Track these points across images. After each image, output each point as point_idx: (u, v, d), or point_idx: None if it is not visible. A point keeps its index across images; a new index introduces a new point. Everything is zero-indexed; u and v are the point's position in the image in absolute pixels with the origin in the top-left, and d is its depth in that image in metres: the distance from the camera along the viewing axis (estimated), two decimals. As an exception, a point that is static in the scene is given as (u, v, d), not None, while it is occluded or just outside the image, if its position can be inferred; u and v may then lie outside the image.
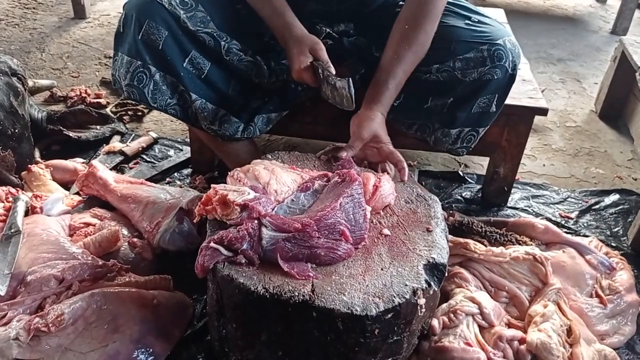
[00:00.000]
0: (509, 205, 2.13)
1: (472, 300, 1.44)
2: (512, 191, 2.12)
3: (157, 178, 2.13)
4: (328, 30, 1.75)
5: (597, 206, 2.15)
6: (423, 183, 2.16)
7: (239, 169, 1.43)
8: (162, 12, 1.54)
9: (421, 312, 1.21)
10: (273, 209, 1.29)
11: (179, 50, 1.57)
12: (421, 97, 1.70)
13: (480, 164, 2.35)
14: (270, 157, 1.58)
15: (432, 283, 1.22)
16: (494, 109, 1.66)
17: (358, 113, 1.56)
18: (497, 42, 1.59)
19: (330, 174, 1.42)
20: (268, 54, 1.69)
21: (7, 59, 2.09)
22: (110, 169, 2.06)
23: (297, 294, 1.13)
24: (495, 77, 1.60)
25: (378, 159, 1.58)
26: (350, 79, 1.49)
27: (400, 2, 1.76)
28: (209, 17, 1.60)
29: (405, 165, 1.53)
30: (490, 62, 1.59)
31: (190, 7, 1.58)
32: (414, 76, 1.69)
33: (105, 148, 2.25)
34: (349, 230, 1.25)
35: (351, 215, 1.28)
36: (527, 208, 2.12)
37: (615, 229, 2.03)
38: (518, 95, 1.87)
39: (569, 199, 2.19)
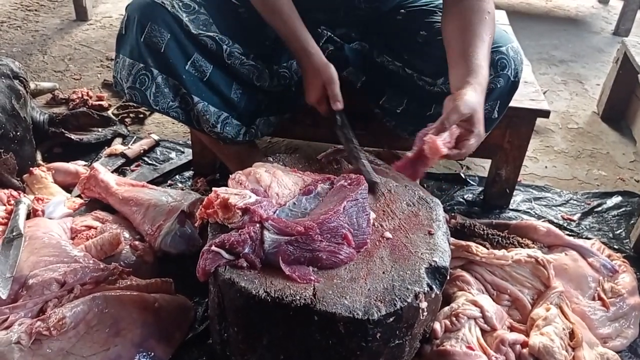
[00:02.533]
0: (511, 207, 2.12)
1: (474, 303, 1.44)
2: (514, 193, 2.12)
3: (159, 180, 2.13)
4: (330, 33, 1.75)
5: (599, 208, 2.15)
6: (425, 185, 2.16)
7: (240, 172, 1.43)
8: (165, 15, 1.54)
9: (423, 315, 1.20)
10: (275, 212, 1.29)
11: (181, 53, 1.57)
12: (424, 105, 1.70)
13: (482, 166, 2.35)
14: (271, 159, 1.58)
15: (434, 286, 1.22)
16: (496, 115, 1.66)
17: (458, 88, 1.38)
18: (500, 50, 1.58)
19: (334, 177, 1.42)
20: (270, 58, 1.69)
21: (9, 62, 2.09)
22: (112, 172, 2.06)
23: (298, 297, 1.13)
24: (499, 86, 1.59)
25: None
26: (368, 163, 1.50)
27: (402, 10, 1.76)
28: (212, 21, 1.60)
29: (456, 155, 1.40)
30: (494, 71, 1.58)
31: (193, 10, 1.58)
32: (419, 86, 1.69)
33: (107, 150, 2.25)
34: (351, 234, 1.25)
35: (354, 219, 1.27)
36: (529, 210, 2.11)
37: (618, 231, 2.03)
38: (520, 98, 1.87)
39: (571, 201, 2.19)
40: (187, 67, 1.58)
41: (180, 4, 1.56)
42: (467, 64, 1.41)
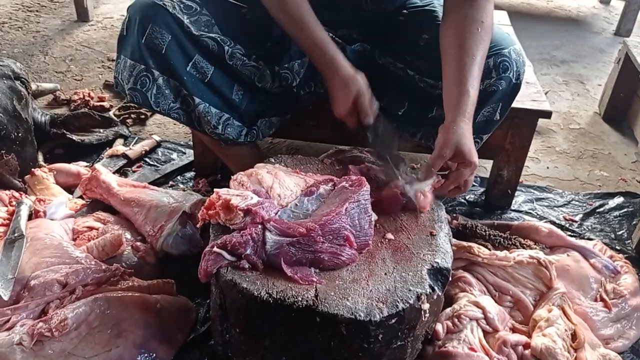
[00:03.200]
0: (512, 208, 2.12)
1: (476, 304, 1.44)
2: (515, 194, 2.12)
3: (160, 181, 2.13)
4: (331, 34, 1.75)
5: (601, 209, 2.15)
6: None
7: (242, 173, 1.43)
8: (166, 16, 1.54)
9: (425, 317, 1.20)
10: (276, 214, 1.29)
11: (183, 55, 1.57)
12: (426, 107, 1.69)
13: (484, 167, 2.34)
14: (273, 160, 1.58)
15: (436, 288, 1.22)
16: (498, 117, 1.66)
17: (444, 124, 1.42)
18: (502, 52, 1.58)
19: (336, 178, 1.42)
20: (271, 59, 1.69)
21: (10, 63, 2.09)
22: (114, 173, 2.06)
23: (300, 299, 1.13)
24: (500, 88, 1.59)
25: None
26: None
27: (404, 11, 1.76)
28: (213, 22, 1.60)
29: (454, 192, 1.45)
30: (496, 74, 1.58)
31: (195, 11, 1.58)
32: (420, 88, 1.69)
33: (109, 151, 2.25)
34: (353, 235, 1.25)
35: (356, 221, 1.27)
36: (531, 211, 2.11)
37: (620, 232, 2.02)
38: (522, 98, 1.86)
39: (573, 202, 2.18)
40: (188, 69, 1.58)
41: (182, 5, 1.56)
42: (457, 89, 1.44)
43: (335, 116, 1.58)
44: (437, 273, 1.24)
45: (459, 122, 1.39)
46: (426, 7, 1.74)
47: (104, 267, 1.50)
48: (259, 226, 1.23)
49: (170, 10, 1.54)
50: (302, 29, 1.54)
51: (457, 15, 1.52)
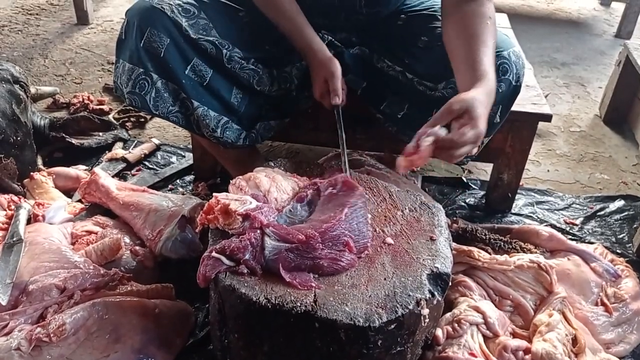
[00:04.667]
0: (513, 211, 2.11)
1: (477, 309, 1.43)
2: (516, 197, 2.11)
3: (160, 185, 2.13)
4: (331, 38, 1.75)
5: (602, 212, 2.14)
6: (426, 189, 2.15)
7: (240, 177, 1.42)
8: (164, 19, 1.54)
9: (425, 322, 1.20)
10: (275, 218, 1.29)
11: (181, 58, 1.57)
12: (425, 110, 1.68)
13: (484, 170, 2.34)
14: (272, 164, 1.57)
15: (435, 293, 1.21)
16: (498, 120, 1.65)
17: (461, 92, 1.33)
18: (502, 54, 1.57)
19: (319, 182, 1.41)
20: (270, 62, 1.68)
21: (10, 67, 2.09)
22: (113, 176, 2.05)
23: (299, 304, 1.13)
24: (500, 91, 1.58)
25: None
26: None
27: (402, 15, 1.76)
28: (212, 25, 1.60)
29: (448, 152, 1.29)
30: (495, 76, 1.57)
31: (193, 14, 1.58)
32: (419, 91, 1.68)
33: (108, 155, 2.24)
34: (352, 240, 1.24)
35: (355, 225, 1.27)
36: (531, 214, 2.10)
37: (621, 236, 2.02)
38: (522, 102, 1.86)
39: (573, 205, 2.18)
40: (186, 72, 1.58)
41: (180, 8, 1.56)
42: (474, 71, 1.37)
43: (335, 117, 1.60)
44: (437, 278, 1.23)
45: (476, 89, 1.30)
46: (424, 11, 1.74)
47: (102, 272, 1.49)
48: (258, 231, 1.22)
49: (169, 13, 1.53)
50: (283, 16, 1.62)
51: (461, 13, 1.50)
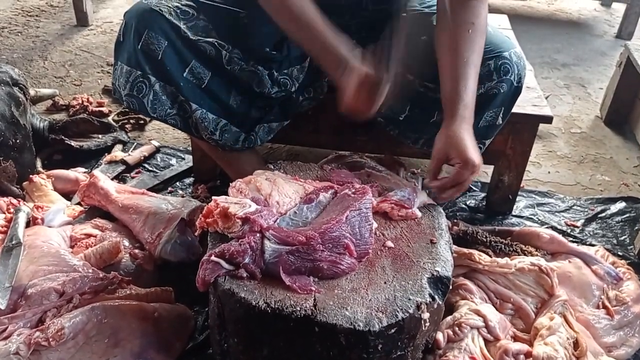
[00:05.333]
0: (513, 213, 2.10)
1: (477, 313, 1.43)
2: (517, 199, 2.10)
3: (159, 187, 2.12)
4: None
5: (603, 214, 2.13)
6: (427, 191, 2.14)
7: (240, 180, 1.42)
8: (162, 22, 1.53)
9: (425, 326, 1.19)
10: (275, 222, 1.28)
11: (179, 60, 1.56)
12: (427, 112, 1.68)
13: (485, 172, 2.33)
14: (272, 167, 1.57)
15: (436, 297, 1.20)
16: (500, 122, 1.65)
17: (439, 130, 1.44)
18: (502, 55, 1.57)
19: (337, 186, 1.41)
20: (270, 64, 1.67)
21: (9, 69, 2.08)
22: (112, 179, 2.05)
23: (299, 308, 1.12)
24: (502, 91, 1.58)
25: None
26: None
27: (403, 14, 1.75)
28: (211, 27, 1.59)
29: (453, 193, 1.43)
30: (497, 77, 1.57)
31: (192, 16, 1.57)
32: (421, 93, 1.68)
33: (107, 157, 2.24)
34: (353, 244, 1.23)
35: (357, 229, 1.26)
36: (532, 216, 2.10)
37: (622, 238, 2.01)
38: (522, 103, 1.85)
39: (574, 207, 2.17)
40: (185, 74, 1.57)
41: (179, 10, 1.55)
42: (451, 94, 1.45)
43: (335, 119, 1.59)
44: (437, 282, 1.23)
45: (451, 126, 1.41)
46: (425, 11, 1.73)
47: (101, 275, 1.48)
48: (258, 235, 1.22)
49: (167, 16, 1.53)
50: (311, 33, 1.44)
51: (449, 18, 1.52)
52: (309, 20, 1.43)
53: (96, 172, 1.90)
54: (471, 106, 1.45)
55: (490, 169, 2.12)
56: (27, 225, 1.69)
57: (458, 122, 1.41)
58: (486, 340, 1.41)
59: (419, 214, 1.42)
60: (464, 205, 2.13)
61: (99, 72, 3.06)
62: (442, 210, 1.47)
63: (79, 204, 1.90)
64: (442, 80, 1.50)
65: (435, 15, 1.69)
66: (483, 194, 2.18)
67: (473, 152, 1.39)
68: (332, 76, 1.46)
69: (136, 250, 1.65)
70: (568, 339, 1.41)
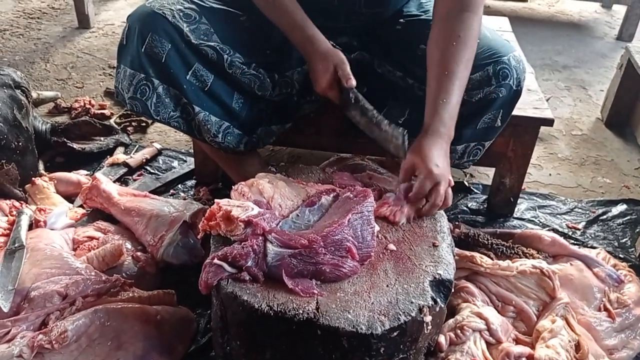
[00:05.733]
0: (515, 215, 2.11)
1: (479, 315, 1.43)
2: (518, 201, 2.11)
3: (161, 190, 2.12)
4: (331, 42, 1.74)
5: (604, 216, 2.14)
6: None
7: (242, 183, 1.42)
8: (165, 25, 1.54)
9: (427, 329, 1.19)
10: (278, 224, 1.28)
11: (182, 63, 1.57)
12: None
13: (486, 174, 2.34)
14: (274, 170, 1.57)
15: (438, 300, 1.21)
16: (499, 124, 1.65)
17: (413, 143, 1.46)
18: (501, 60, 1.58)
19: (339, 189, 1.41)
20: (271, 67, 1.68)
21: (11, 72, 2.09)
22: (114, 181, 2.05)
23: (301, 311, 1.12)
24: (501, 96, 1.59)
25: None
26: (405, 132, 1.47)
27: (401, 20, 1.75)
28: (213, 30, 1.60)
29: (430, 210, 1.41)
30: (496, 81, 1.58)
31: (194, 20, 1.58)
32: (420, 96, 1.68)
33: (109, 160, 2.24)
34: (355, 247, 1.24)
35: (359, 232, 1.26)
36: (533, 219, 2.10)
37: (623, 240, 2.01)
38: (523, 106, 1.85)
39: (575, 209, 2.17)
40: (188, 77, 1.58)
41: (181, 14, 1.56)
42: (429, 108, 1.47)
43: (336, 121, 1.60)
44: (440, 285, 1.23)
45: (422, 139, 1.43)
46: (423, 16, 1.74)
47: (104, 278, 1.49)
48: (260, 238, 1.22)
49: (170, 19, 1.54)
50: (281, 12, 1.57)
51: (441, 30, 1.53)
52: (283, 5, 1.57)
53: (98, 174, 1.91)
54: (449, 121, 1.45)
55: (491, 171, 2.12)
56: (30, 228, 1.69)
57: (429, 136, 1.43)
58: (488, 343, 1.41)
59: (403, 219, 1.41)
60: (465, 208, 2.14)
61: (100, 75, 3.06)
62: (443, 213, 1.47)
63: (81, 206, 1.91)
64: (426, 91, 1.51)
65: (431, 20, 1.70)
66: (484, 197, 2.18)
67: (437, 163, 1.38)
68: (303, 55, 1.60)
69: (138, 253, 1.65)
70: (570, 341, 1.41)
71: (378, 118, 1.52)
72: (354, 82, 1.54)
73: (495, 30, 1.84)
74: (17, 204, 1.81)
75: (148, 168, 2.26)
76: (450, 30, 1.49)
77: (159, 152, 2.35)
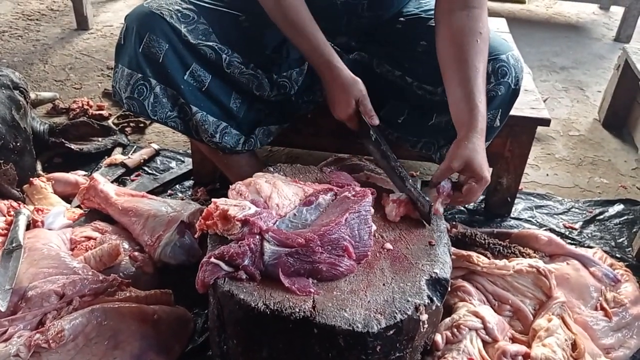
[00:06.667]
0: (512, 216, 2.11)
1: (476, 314, 1.43)
2: (515, 202, 2.11)
3: (159, 190, 2.13)
4: (330, 43, 1.75)
5: (601, 216, 2.14)
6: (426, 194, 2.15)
7: (240, 182, 1.42)
8: (163, 25, 1.54)
9: (423, 328, 1.20)
10: (275, 224, 1.29)
11: (180, 63, 1.57)
12: (425, 114, 1.69)
13: (483, 174, 2.34)
14: (272, 170, 1.57)
15: (434, 298, 1.21)
16: (498, 124, 1.65)
17: (456, 139, 1.42)
18: (500, 58, 1.58)
19: (337, 188, 1.41)
20: (270, 67, 1.68)
21: (9, 72, 2.09)
22: (112, 182, 2.05)
23: (298, 310, 1.12)
24: (499, 94, 1.59)
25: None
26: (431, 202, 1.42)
27: (401, 19, 1.76)
28: (211, 30, 1.60)
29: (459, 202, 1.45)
30: (494, 79, 1.58)
31: (192, 20, 1.58)
32: (419, 95, 1.69)
33: (107, 160, 2.25)
34: (352, 246, 1.24)
35: (356, 232, 1.27)
36: (530, 219, 2.10)
37: (620, 240, 2.02)
38: (520, 106, 1.86)
39: (572, 209, 2.18)
40: (185, 77, 1.58)
41: (179, 14, 1.56)
42: (467, 105, 1.43)
43: (334, 122, 1.60)
44: (436, 283, 1.23)
45: (472, 138, 1.39)
46: (422, 15, 1.74)
47: (101, 278, 1.49)
48: (257, 237, 1.22)
49: (168, 19, 1.54)
50: (301, 33, 1.55)
51: (453, 27, 1.52)
52: (303, 25, 1.53)
53: (96, 175, 1.91)
54: (485, 117, 1.44)
55: (488, 171, 2.12)
56: (28, 227, 1.70)
57: (478, 135, 1.40)
58: (484, 342, 1.41)
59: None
60: (462, 208, 2.14)
61: (99, 76, 3.07)
62: (440, 213, 1.47)
63: (79, 206, 1.91)
64: (451, 90, 1.49)
65: (431, 19, 1.70)
66: (482, 197, 2.18)
67: (487, 170, 1.40)
68: (321, 78, 1.58)
69: (136, 253, 1.66)
70: (566, 340, 1.41)
71: (402, 173, 1.47)
72: (377, 121, 1.55)
73: (493, 31, 1.84)
74: (14, 204, 1.82)
75: (146, 168, 2.27)
76: (471, 28, 1.49)
77: (157, 153, 2.35)
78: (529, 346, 1.42)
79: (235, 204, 1.30)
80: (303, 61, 1.70)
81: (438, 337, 1.37)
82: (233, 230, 1.26)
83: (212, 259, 1.20)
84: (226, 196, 1.38)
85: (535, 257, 1.68)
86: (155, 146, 2.37)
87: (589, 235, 2.05)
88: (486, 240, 1.74)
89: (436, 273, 1.25)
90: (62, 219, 1.77)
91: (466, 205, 2.14)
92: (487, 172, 1.39)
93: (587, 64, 3.64)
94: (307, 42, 1.55)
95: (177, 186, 2.18)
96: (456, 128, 1.45)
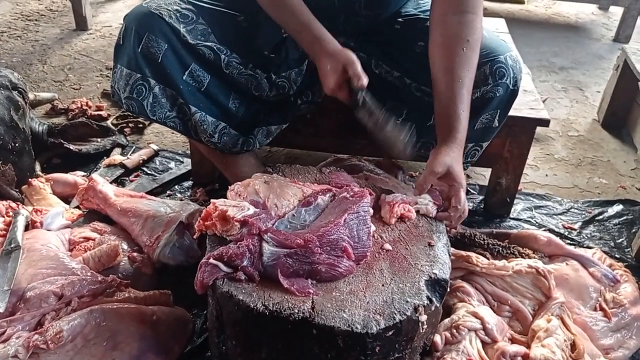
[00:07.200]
0: (511, 216, 2.11)
1: (475, 315, 1.43)
2: (514, 202, 2.11)
3: (158, 191, 2.13)
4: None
5: (600, 217, 2.14)
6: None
7: (239, 183, 1.42)
8: (162, 25, 1.54)
9: (423, 328, 1.19)
10: (274, 224, 1.28)
11: (179, 64, 1.57)
12: (424, 116, 1.69)
13: (483, 175, 2.34)
14: (271, 170, 1.57)
15: (433, 299, 1.21)
16: (497, 124, 1.66)
17: (436, 147, 1.45)
18: (498, 59, 1.58)
19: (335, 189, 1.41)
20: (268, 67, 1.68)
21: (8, 73, 2.09)
22: (111, 182, 2.05)
23: (296, 311, 1.12)
24: (498, 95, 1.59)
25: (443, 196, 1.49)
26: (409, 129, 1.45)
27: (399, 19, 1.76)
28: (210, 30, 1.60)
29: (457, 217, 1.46)
30: (492, 80, 1.58)
31: (191, 20, 1.58)
32: (417, 97, 1.69)
33: (106, 161, 2.25)
34: (351, 247, 1.24)
35: (355, 232, 1.27)
36: (530, 219, 2.10)
37: (619, 240, 2.01)
38: (520, 107, 1.86)
39: (572, 210, 2.18)
40: (184, 77, 1.58)
41: (178, 14, 1.56)
42: (448, 115, 1.47)
43: (334, 122, 1.59)
44: (435, 284, 1.23)
45: (452, 147, 1.43)
46: (421, 16, 1.74)
47: (100, 279, 1.49)
48: (256, 237, 1.22)
49: (167, 19, 1.54)
50: (288, 11, 1.54)
51: (443, 34, 1.52)
52: (291, 5, 1.54)
53: (95, 175, 1.91)
54: (466, 128, 1.47)
55: (488, 171, 2.13)
56: (26, 228, 1.69)
57: (457, 146, 1.44)
58: (484, 343, 1.41)
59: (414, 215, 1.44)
60: (462, 208, 2.13)
61: (98, 76, 3.06)
62: (439, 213, 1.47)
63: (77, 207, 1.91)
64: (437, 97, 1.50)
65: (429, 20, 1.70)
66: (481, 197, 2.19)
67: (463, 177, 1.45)
68: (311, 56, 1.56)
69: (135, 254, 1.65)
70: (565, 341, 1.41)
71: (385, 119, 1.47)
72: (365, 81, 1.48)
73: (492, 32, 1.84)
74: (13, 204, 1.81)
75: (145, 169, 2.26)
76: (459, 35, 1.49)
77: (156, 153, 2.35)
78: (528, 347, 1.42)
79: (234, 204, 1.30)
80: (302, 61, 1.70)
81: (437, 338, 1.37)
82: (232, 231, 1.26)
83: (211, 260, 1.20)
84: (225, 197, 1.38)
85: (534, 257, 1.68)
86: (154, 147, 2.36)
87: (588, 235, 2.05)
88: (485, 241, 1.74)
89: (435, 274, 1.24)
90: (60, 219, 1.76)
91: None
92: (464, 181, 1.45)
93: (586, 64, 3.65)
94: (294, 19, 1.54)
95: (176, 187, 2.17)
96: (437, 136, 1.48)
